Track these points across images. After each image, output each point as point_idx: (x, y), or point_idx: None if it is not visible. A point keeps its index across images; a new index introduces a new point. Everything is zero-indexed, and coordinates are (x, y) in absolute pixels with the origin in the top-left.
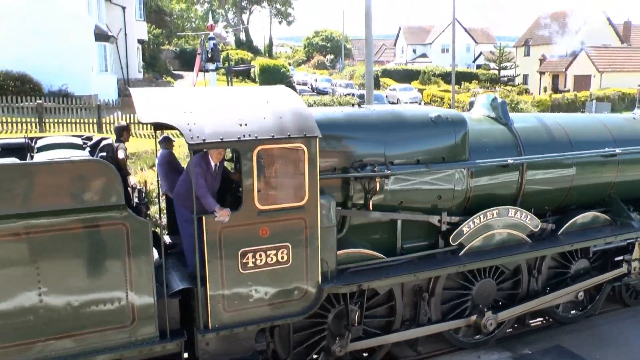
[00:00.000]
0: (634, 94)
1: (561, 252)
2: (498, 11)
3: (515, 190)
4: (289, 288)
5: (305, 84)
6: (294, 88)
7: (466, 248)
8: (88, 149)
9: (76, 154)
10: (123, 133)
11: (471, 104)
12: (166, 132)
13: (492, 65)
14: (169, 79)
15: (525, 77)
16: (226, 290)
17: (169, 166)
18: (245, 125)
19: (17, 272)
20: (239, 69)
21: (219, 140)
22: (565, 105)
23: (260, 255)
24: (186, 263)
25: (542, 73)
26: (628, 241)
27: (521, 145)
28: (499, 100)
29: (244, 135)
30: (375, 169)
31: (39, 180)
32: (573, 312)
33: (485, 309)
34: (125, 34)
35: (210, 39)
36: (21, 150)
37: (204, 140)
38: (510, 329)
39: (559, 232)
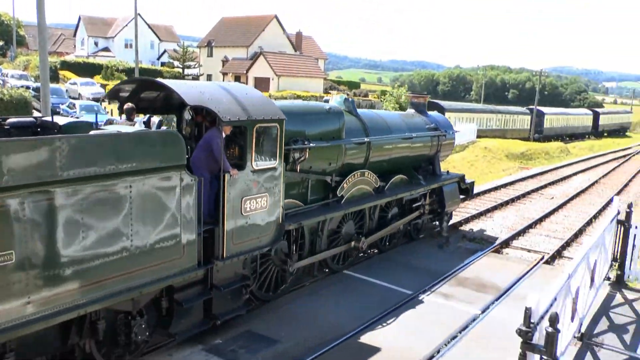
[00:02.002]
0: (306, 96)
1: (389, 200)
2: (182, 10)
3: (364, 160)
4: (265, 226)
5: None
6: None
7: (345, 198)
8: (142, 124)
9: (131, 129)
10: (133, 113)
11: (326, 101)
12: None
13: (177, 63)
14: None
15: (210, 77)
16: (234, 228)
17: None
18: (246, 109)
19: (119, 215)
20: None
21: (237, 119)
22: None
23: (252, 202)
24: None
25: (225, 74)
26: (420, 193)
27: (368, 130)
28: (350, 99)
29: (249, 117)
30: (305, 143)
31: (134, 146)
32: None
33: (361, 237)
34: None
35: None
36: (29, 128)
37: (229, 119)
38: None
39: (385, 189)
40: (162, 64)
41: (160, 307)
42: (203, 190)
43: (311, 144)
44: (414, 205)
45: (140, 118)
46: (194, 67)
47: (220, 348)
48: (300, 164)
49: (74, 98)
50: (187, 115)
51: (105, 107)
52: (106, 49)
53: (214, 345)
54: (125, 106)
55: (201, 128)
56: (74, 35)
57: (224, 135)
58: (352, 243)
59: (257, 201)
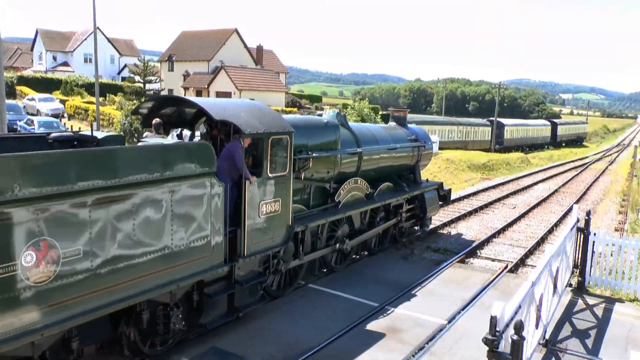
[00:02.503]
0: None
1: (378, 206)
2: (142, 24)
3: (356, 169)
4: (278, 227)
5: None
6: None
7: (341, 203)
8: (175, 136)
9: (166, 140)
10: (160, 127)
11: (320, 115)
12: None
13: (137, 78)
14: None
15: (171, 91)
16: (253, 229)
17: None
18: (262, 123)
19: (163, 216)
20: None
21: (256, 132)
22: None
23: (267, 206)
24: None
25: (186, 88)
26: (405, 199)
27: (359, 141)
28: (342, 114)
29: (265, 130)
30: (309, 154)
31: (175, 155)
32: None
33: (345, 239)
34: None
35: None
36: (70, 141)
37: (250, 132)
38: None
39: (374, 195)
40: (123, 79)
41: (191, 301)
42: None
43: (314, 154)
44: (399, 210)
45: (174, 131)
46: (155, 82)
47: None
48: (304, 172)
49: (32, 114)
50: (201, 129)
51: (65, 124)
52: (65, 64)
53: None
54: (154, 121)
55: (215, 141)
56: (31, 49)
57: (244, 146)
58: (337, 245)
59: (271, 205)
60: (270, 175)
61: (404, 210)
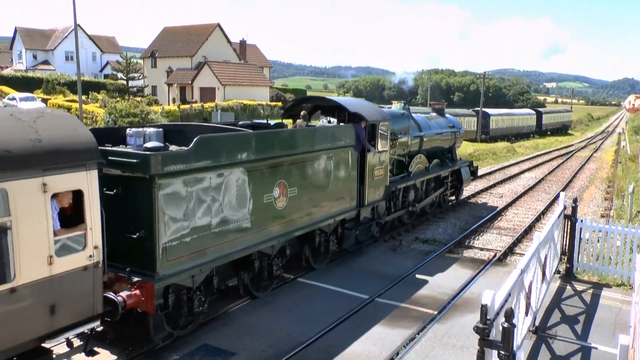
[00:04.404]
0: (253, 105)
1: (434, 176)
2: (123, 20)
3: (418, 148)
4: (381, 187)
5: None
6: None
7: (412, 173)
8: (326, 122)
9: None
10: (306, 117)
11: (389, 108)
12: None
13: (120, 75)
14: None
15: (154, 88)
16: (370, 186)
17: None
18: (374, 114)
19: (329, 171)
20: None
21: (373, 119)
22: (194, 116)
23: (377, 171)
24: None
25: (170, 85)
26: (449, 172)
27: (420, 127)
28: (407, 106)
29: (377, 118)
30: (395, 136)
31: (336, 134)
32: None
33: (415, 203)
34: None
35: None
36: (249, 127)
37: (370, 119)
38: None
39: (429, 168)
40: (105, 76)
41: (336, 233)
42: None
43: (398, 137)
44: (445, 181)
45: (323, 118)
46: (138, 79)
47: None
48: (392, 149)
49: None
50: (322, 118)
51: None
52: (46, 62)
53: None
54: (302, 113)
55: None
56: (10, 48)
57: (363, 127)
58: (410, 207)
59: (379, 170)
60: (379, 149)
61: (449, 181)
